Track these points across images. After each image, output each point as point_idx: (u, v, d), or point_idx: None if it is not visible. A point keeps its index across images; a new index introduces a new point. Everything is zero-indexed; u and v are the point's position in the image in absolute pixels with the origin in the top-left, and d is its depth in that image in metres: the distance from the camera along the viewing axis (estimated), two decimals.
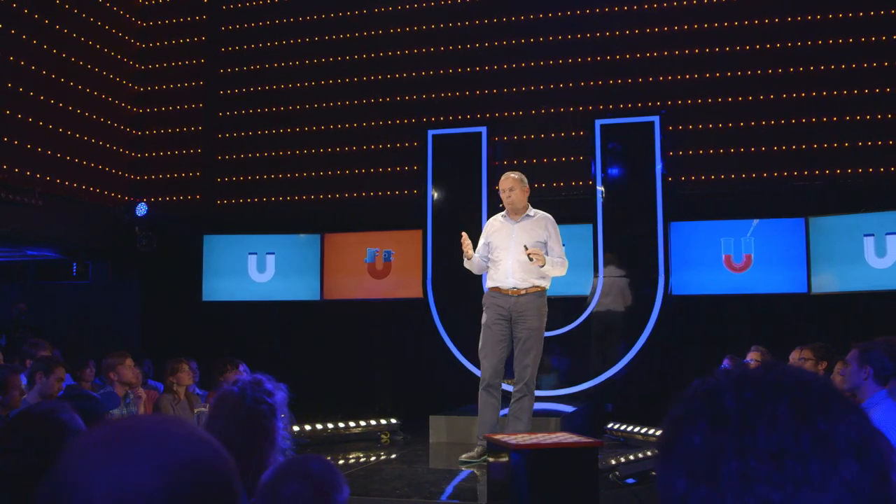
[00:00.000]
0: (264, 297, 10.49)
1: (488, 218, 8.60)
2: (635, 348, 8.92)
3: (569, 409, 8.35)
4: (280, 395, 2.73)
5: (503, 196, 6.19)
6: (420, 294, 9.62)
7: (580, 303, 9.21)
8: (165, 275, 10.88)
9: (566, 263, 6.13)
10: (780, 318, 8.93)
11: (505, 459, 4.18)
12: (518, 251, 5.94)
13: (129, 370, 6.31)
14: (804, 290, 8.95)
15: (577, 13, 9.96)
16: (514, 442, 4.16)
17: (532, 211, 6.21)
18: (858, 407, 0.84)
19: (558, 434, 4.97)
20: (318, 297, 10.42)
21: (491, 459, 4.56)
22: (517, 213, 6.13)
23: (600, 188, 9.17)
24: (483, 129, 9.65)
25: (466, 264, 6.15)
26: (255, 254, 10.55)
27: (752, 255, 9.15)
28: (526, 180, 6.30)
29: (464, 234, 6.07)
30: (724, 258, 9.21)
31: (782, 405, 0.80)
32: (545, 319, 6.08)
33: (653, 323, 8.93)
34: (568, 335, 9.18)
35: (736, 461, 0.78)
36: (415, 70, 10.50)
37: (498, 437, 4.56)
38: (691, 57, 9.57)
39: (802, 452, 0.78)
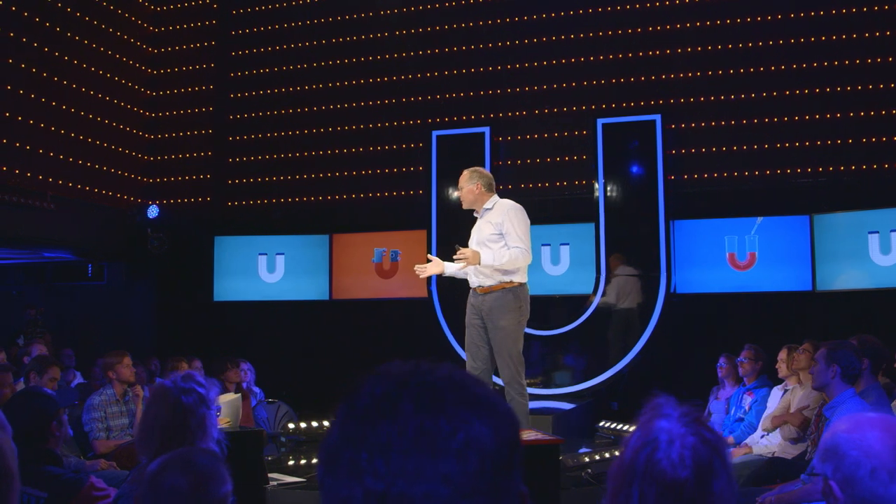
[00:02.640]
0: (274, 296, 10.65)
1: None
2: (637, 347, 8.94)
3: (568, 406, 8.40)
4: (214, 389, 2.90)
5: (460, 193, 5.99)
6: (426, 294, 9.73)
7: (583, 301, 9.25)
8: (178, 275, 11.07)
9: (523, 250, 5.70)
10: (784, 315, 8.87)
11: None
12: (477, 248, 5.77)
13: (126, 369, 6.47)
14: (809, 287, 8.91)
15: (578, 13, 9.97)
16: None
17: (491, 202, 5.92)
18: (485, 407, 0.90)
19: (526, 432, 4.99)
20: (326, 297, 10.56)
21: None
22: (477, 210, 5.95)
23: (602, 187, 9.20)
24: (486, 130, 9.74)
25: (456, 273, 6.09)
26: (265, 254, 10.71)
27: (757, 253, 9.12)
28: (480, 172, 6.00)
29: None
30: (729, 256, 9.19)
31: (402, 402, 0.88)
32: (520, 315, 5.82)
33: (655, 321, 8.94)
34: (570, 333, 9.23)
35: (350, 452, 0.86)
36: (419, 71, 10.59)
37: None
38: (693, 55, 9.55)
39: (406, 447, 0.85)
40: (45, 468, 3.08)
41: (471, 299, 5.94)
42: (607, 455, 5.68)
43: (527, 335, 9.14)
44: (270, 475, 5.44)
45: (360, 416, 0.89)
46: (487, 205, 5.91)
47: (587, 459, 5.39)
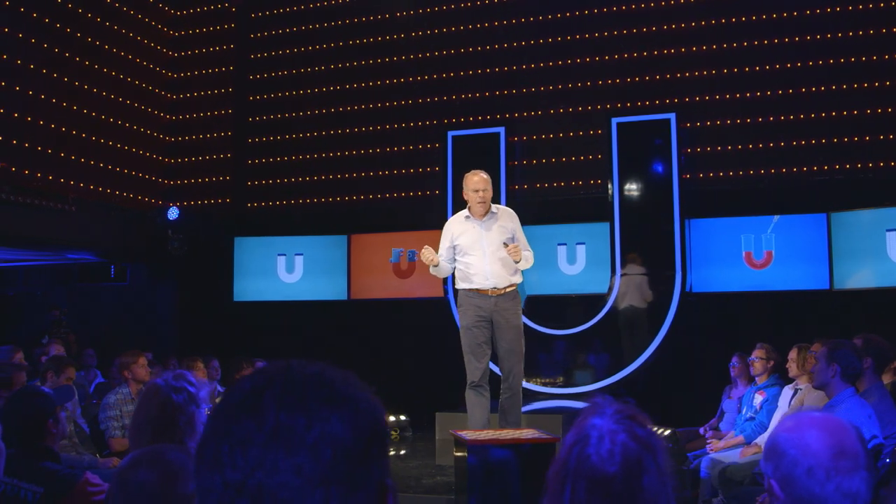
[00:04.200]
0: (293, 297, 10.75)
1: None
2: (653, 346, 8.93)
3: (581, 406, 8.40)
4: (204, 389, 2.96)
5: (477, 196, 5.94)
6: (442, 293, 9.78)
7: (598, 301, 9.25)
8: (199, 276, 11.21)
9: (532, 254, 6.10)
10: (801, 314, 8.80)
11: (464, 454, 4.30)
12: (492, 251, 5.91)
13: (142, 368, 6.58)
14: (826, 286, 8.84)
15: (593, 12, 9.97)
16: (470, 437, 4.27)
17: (494, 207, 6.09)
18: (345, 404, 0.95)
19: (525, 430, 5.03)
20: (345, 297, 10.64)
21: (456, 454, 4.67)
22: (483, 213, 6.01)
23: (617, 186, 9.19)
24: (501, 130, 9.77)
25: (433, 271, 6.13)
26: (284, 255, 10.81)
27: (773, 252, 9.06)
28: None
29: (425, 247, 6.00)
30: (745, 255, 9.14)
31: (264, 399, 0.93)
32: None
33: (670, 320, 8.92)
34: (586, 333, 9.24)
35: (214, 445, 0.91)
36: (434, 72, 10.64)
37: (461, 432, 4.66)
38: (707, 53, 9.52)
39: (263, 441, 0.90)
40: (41, 464, 3.17)
41: (475, 301, 5.96)
42: None
43: (543, 335, 9.30)
44: None
45: (226, 411, 0.94)
46: (493, 209, 6.05)
47: None
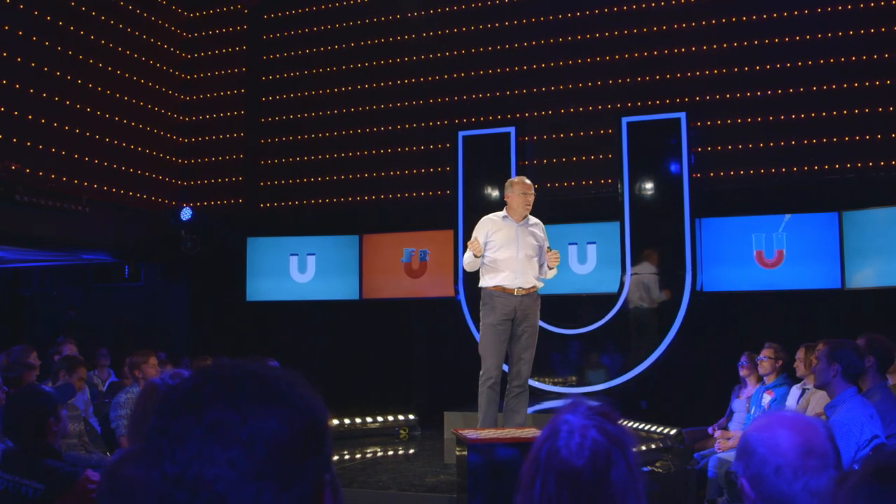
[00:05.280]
0: (305, 296, 10.80)
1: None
2: (663, 345, 8.91)
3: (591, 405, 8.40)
4: None
5: (526, 199, 6.20)
6: (454, 293, 9.80)
7: (609, 300, 9.24)
8: (212, 276, 11.30)
9: (555, 273, 6.45)
10: (813, 314, 8.76)
11: (465, 453, 4.32)
12: (525, 253, 6.11)
13: (152, 368, 6.65)
14: (838, 285, 8.80)
15: (603, 11, 9.97)
16: (472, 436, 4.29)
17: (529, 216, 6.34)
18: (281, 400, 0.98)
19: (527, 430, 5.05)
20: (357, 297, 10.68)
21: (458, 453, 4.70)
22: (522, 217, 6.21)
23: (627, 185, 9.18)
24: (511, 130, 9.77)
25: (470, 260, 6.22)
26: (297, 255, 10.87)
27: (784, 251, 9.02)
28: None
29: (475, 237, 6.17)
30: (756, 254, 9.11)
31: (203, 396, 0.97)
32: None
33: (681, 319, 8.90)
34: (596, 332, 9.23)
35: (156, 440, 0.95)
36: (445, 73, 10.67)
37: (463, 431, 4.69)
38: (718, 52, 9.49)
39: (200, 436, 0.94)
40: (43, 462, 3.22)
41: (502, 300, 6.07)
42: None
43: (554, 334, 9.30)
44: None
45: (169, 408, 0.98)
46: (528, 216, 6.27)
47: None
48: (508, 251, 6.11)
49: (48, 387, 4.30)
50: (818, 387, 4.69)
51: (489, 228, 6.23)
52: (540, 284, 6.24)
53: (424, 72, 10.75)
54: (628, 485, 1.57)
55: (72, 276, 12.79)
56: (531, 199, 6.20)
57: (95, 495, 2.53)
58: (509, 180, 6.37)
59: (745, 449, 1.83)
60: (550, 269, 6.25)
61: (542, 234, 6.30)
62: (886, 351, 4.95)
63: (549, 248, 6.27)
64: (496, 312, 6.05)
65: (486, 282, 6.19)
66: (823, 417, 4.62)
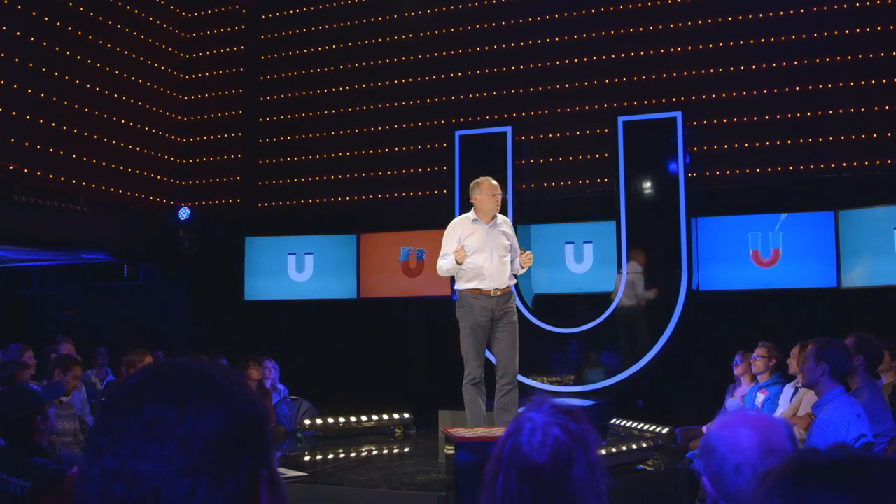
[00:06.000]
0: (303, 295, 10.83)
1: (511, 217, 8.79)
2: (659, 344, 8.92)
3: (586, 403, 8.42)
4: None
5: (496, 200, 6.21)
6: (450, 292, 9.82)
7: (605, 299, 9.25)
8: (210, 275, 11.33)
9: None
10: (809, 313, 8.78)
11: (454, 451, 4.34)
12: (498, 254, 6.14)
13: None
14: (834, 284, 8.81)
15: (599, 10, 9.98)
16: (460, 435, 4.31)
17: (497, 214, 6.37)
18: (219, 398, 1.01)
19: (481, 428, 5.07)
20: (354, 296, 10.71)
21: (447, 452, 4.72)
22: (491, 217, 6.23)
23: (623, 184, 9.20)
24: (508, 129, 9.79)
25: (447, 270, 6.22)
26: (295, 254, 10.90)
27: (780, 250, 9.04)
28: None
29: (462, 246, 6.11)
30: (752, 253, 9.13)
31: (143, 393, 1.00)
32: None
33: (677, 319, 8.91)
34: (593, 331, 9.24)
35: (98, 436, 0.99)
36: (442, 72, 10.69)
37: (452, 430, 4.71)
38: (713, 51, 9.50)
39: (138, 432, 0.98)
40: (30, 459, 3.25)
41: (480, 301, 6.11)
42: (602, 452, 5.72)
43: (551, 333, 9.32)
44: (286, 470, 5.58)
45: (111, 404, 1.01)
46: (496, 215, 6.28)
47: None
48: (482, 254, 6.13)
49: (37, 385, 4.33)
50: (806, 386, 4.72)
51: (461, 232, 6.23)
52: (513, 282, 6.32)
53: (421, 72, 10.78)
54: (589, 483, 1.60)
55: (72, 275, 12.84)
56: (500, 199, 6.24)
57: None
58: (475, 181, 6.30)
59: (706, 447, 1.85)
60: (522, 268, 6.29)
61: (510, 232, 6.34)
62: (875, 350, 4.97)
63: (521, 249, 6.30)
64: (475, 314, 6.08)
65: (462, 284, 6.22)
66: (814, 417, 4.64)
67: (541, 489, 1.58)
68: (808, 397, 6.16)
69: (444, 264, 6.18)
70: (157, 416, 0.98)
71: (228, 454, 0.99)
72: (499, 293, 6.10)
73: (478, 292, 6.09)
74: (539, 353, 9.34)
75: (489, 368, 6.38)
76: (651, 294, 9.07)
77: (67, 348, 7.46)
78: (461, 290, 6.21)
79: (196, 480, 0.96)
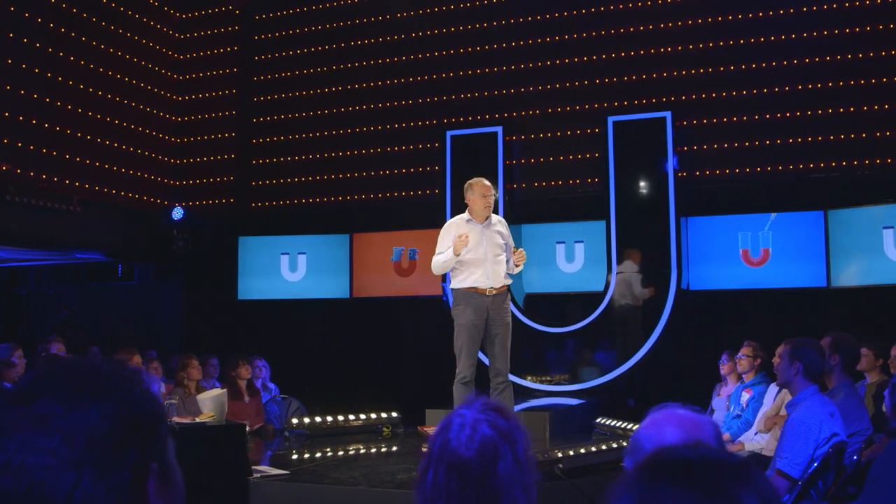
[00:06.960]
0: (296, 295, 10.88)
1: (502, 217, 8.80)
2: (649, 343, 8.95)
3: (574, 402, 8.47)
4: (154, 384, 3.07)
5: (486, 201, 6.28)
6: (442, 291, 9.85)
7: (596, 298, 9.28)
8: (204, 275, 11.38)
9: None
10: (799, 312, 8.79)
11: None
12: (493, 253, 6.22)
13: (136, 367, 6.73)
14: (823, 283, 8.84)
15: (590, 11, 10.00)
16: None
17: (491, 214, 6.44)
18: (108, 394, 1.06)
19: None
20: (347, 295, 10.75)
21: (424, 450, 4.74)
22: (485, 218, 6.30)
23: (613, 184, 9.22)
24: (499, 129, 9.83)
25: (442, 267, 6.29)
26: (288, 254, 10.95)
27: (770, 249, 9.06)
28: None
29: (465, 235, 6.11)
30: (742, 252, 9.15)
31: (34, 390, 1.06)
32: None
33: (666, 318, 8.94)
34: (584, 330, 9.27)
35: None
36: (433, 73, 10.72)
37: (428, 428, 4.74)
38: (704, 51, 9.52)
39: (26, 426, 1.03)
40: None
41: (475, 300, 6.18)
42: (582, 451, 5.75)
43: (543, 333, 9.36)
44: (268, 468, 5.62)
45: (5, 400, 1.06)
46: (490, 215, 6.36)
47: (560, 454, 5.47)
48: (477, 253, 6.22)
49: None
50: (780, 384, 4.75)
51: (455, 232, 6.27)
52: (509, 282, 6.37)
53: (413, 72, 10.81)
54: (515, 478, 1.63)
55: (68, 275, 12.90)
56: (491, 200, 6.31)
57: None
58: (468, 182, 6.41)
59: (633, 445, 1.88)
60: (517, 266, 6.36)
61: (506, 232, 6.42)
62: (852, 350, 5.00)
63: (515, 247, 6.38)
64: (470, 313, 6.15)
65: (457, 283, 6.30)
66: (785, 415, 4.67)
67: (467, 483, 1.62)
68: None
69: (441, 258, 6.26)
70: (46, 411, 1.04)
71: (112, 449, 1.04)
72: (494, 292, 6.17)
73: (473, 291, 6.17)
74: (530, 353, 9.37)
75: (481, 368, 6.44)
76: (642, 293, 9.10)
77: (58, 347, 7.50)
78: (456, 290, 6.30)
79: (80, 473, 1.01)
